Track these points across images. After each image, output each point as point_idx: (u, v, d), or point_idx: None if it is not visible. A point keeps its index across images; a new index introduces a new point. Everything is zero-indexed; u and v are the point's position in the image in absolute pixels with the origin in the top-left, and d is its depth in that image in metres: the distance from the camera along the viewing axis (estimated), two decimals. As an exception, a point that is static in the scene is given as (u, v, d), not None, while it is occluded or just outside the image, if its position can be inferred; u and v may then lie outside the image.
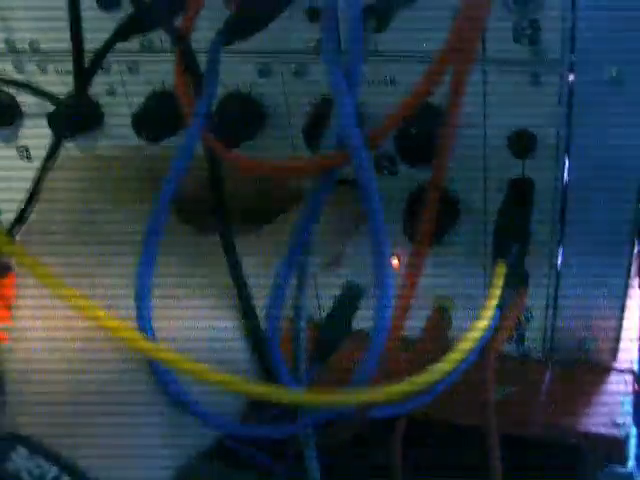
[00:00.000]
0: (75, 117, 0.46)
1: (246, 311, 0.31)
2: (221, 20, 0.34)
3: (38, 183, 0.33)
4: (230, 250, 0.31)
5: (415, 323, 0.45)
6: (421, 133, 0.37)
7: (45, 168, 0.33)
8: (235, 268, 0.30)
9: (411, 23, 0.37)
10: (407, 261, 0.34)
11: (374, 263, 0.28)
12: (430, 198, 0.28)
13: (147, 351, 0.27)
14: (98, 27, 0.38)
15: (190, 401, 0.29)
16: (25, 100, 0.49)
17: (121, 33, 0.34)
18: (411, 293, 0.33)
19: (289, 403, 0.28)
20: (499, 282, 0.35)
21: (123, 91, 0.46)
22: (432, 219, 0.28)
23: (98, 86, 0.46)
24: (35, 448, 0.27)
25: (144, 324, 0.29)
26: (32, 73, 0.48)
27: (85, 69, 0.33)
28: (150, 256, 0.28)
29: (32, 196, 0.33)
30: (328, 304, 0.47)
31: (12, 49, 0.47)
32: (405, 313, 0.33)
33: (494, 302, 0.34)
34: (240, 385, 0.28)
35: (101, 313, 0.27)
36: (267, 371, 0.32)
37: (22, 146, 0.51)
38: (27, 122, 0.50)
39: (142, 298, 0.28)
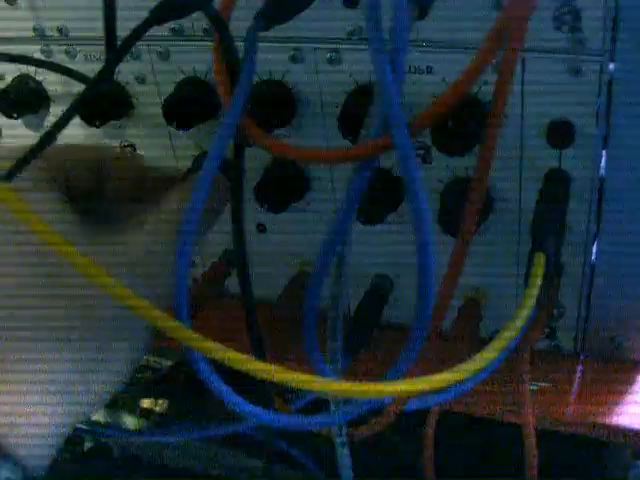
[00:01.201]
0: (105, 104, 0.45)
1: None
2: (256, 6, 0.34)
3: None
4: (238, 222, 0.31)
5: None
6: (458, 124, 0.36)
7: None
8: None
9: (448, 11, 0.37)
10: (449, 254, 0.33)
11: (417, 253, 0.27)
12: (474, 193, 0.27)
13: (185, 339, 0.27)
14: (131, 12, 0.38)
15: (224, 389, 0.29)
16: (53, 87, 0.49)
17: (156, 17, 0.33)
18: (451, 286, 0.32)
19: (326, 393, 0.27)
20: (538, 278, 0.34)
21: (153, 79, 0.45)
22: (475, 214, 0.27)
23: (128, 74, 0.46)
24: None
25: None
26: (60, 60, 0.47)
27: (115, 54, 0.32)
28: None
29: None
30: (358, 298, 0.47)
31: (41, 35, 0.47)
32: (445, 306, 0.33)
33: (533, 298, 0.33)
34: (273, 373, 0.27)
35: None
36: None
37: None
38: (54, 109, 0.49)
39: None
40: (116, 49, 0.34)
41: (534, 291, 0.33)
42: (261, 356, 0.34)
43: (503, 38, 0.27)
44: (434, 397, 0.35)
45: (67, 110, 0.30)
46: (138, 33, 0.33)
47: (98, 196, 0.37)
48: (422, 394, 0.28)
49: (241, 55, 0.32)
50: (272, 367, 0.27)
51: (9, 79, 0.49)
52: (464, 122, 0.37)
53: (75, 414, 0.32)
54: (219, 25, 0.30)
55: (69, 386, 0.31)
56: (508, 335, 0.31)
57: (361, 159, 0.26)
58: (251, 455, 0.54)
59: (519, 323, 0.32)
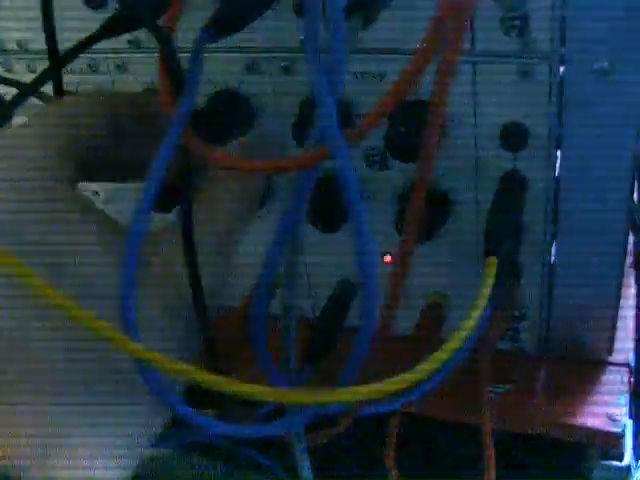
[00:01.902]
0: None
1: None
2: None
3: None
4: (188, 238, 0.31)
5: (408, 320, 0.45)
6: (410, 130, 0.37)
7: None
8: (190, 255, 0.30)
9: (399, 18, 0.37)
10: (396, 257, 0.33)
11: (358, 262, 0.27)
12: (416, 194, 0.27)
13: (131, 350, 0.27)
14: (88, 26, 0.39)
15: (175, 400, 0.29)
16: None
17: (105, 31, 0.33)
18: (398, 290, 0.32)
19: (277, 402, 0.27)
20: (490, 278, 0.34)
21: (112, 90, 0.46)
22: (417, 215, 0.28)
23: (88, 85, 0.46)
24: None
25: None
26: (21, 73, 0.47)
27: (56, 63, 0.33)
28: (133, 256, 0.28)
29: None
30: (322, 302, 0.47)
31: (0, 49, 0.47)
32: (394, 309, 0.33)
33: (485, 298, 0.34)
34: (227, 385, 0.27)
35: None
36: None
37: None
38: (16, 121, 0.49)
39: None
40: (60, 59, 0.35)
41: (485, 292, 0.33)
42: (214, 366, 0.34)
43: (434, 44, 0.27)
44: (390, 401, 0.35)
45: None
46: (83, 46, 0.33)
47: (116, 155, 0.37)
48: (375, 399, 0.28)
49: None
50: (221, 378, 0.27)
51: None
52: (416, 128, 0.37)
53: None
54: (161, 39, 0.30)
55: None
56: (461, 335, 0.32)
57: (298, 169, 0.26)
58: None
59: (471, 323, 0.32)
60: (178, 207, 0.34)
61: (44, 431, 0.29)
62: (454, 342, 0.31)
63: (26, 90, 0.39)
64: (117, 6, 0.34)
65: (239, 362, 0.46)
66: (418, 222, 0.28)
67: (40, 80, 0.37)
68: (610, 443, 0.44)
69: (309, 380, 0.44)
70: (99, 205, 0.49)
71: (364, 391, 0.28)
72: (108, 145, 0.36)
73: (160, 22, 0.34)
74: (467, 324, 0.32)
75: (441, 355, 0.30)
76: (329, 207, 0.41)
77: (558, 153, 0.39)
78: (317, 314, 0.47)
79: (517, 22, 0.36)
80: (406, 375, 0.29)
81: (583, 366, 0.46)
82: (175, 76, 0.30)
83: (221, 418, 0.31)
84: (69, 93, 0.44)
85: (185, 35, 0.35)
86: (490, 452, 0.39)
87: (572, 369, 0.46)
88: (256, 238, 0.47)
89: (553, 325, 0.46)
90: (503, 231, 0.37)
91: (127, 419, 0.32)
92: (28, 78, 0.46)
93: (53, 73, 0.36)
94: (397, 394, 0.29)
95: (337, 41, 0.26)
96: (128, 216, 0.29)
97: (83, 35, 0.37)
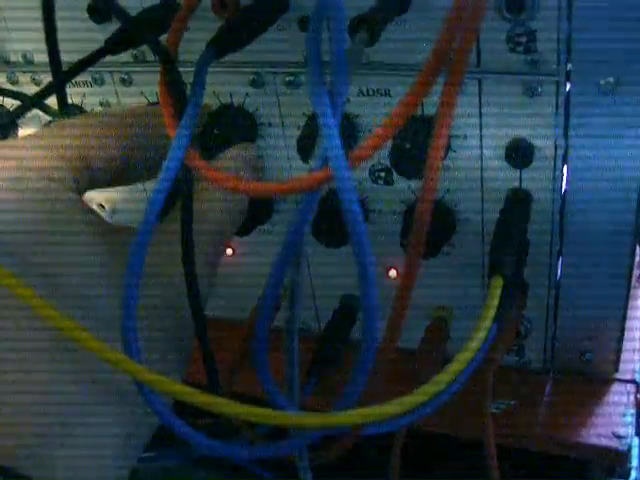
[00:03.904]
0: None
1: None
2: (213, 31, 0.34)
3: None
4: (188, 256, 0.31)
5: (413, 334, 0.44)
6: (415, 147, 0.37)
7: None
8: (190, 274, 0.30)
9: (403, 34, 0.37)
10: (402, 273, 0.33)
11: (360, 282, 0.27)
12: (421, 210, 0.27)
13: (133, 372, 0.27)
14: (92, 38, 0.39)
15: (176, 422, 0.29)
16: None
17: (108, 48, 0.33)
18: (404, 305, 0.32)
19: (281, 426, 0.27)
20: (495, 295, 0.34)
21: (117, 103, 0.46)
22: (423, 231, 0.27)
23: (92, 97, 0.46)
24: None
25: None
26: (26, 85, 0.47)
27: (60, 79, 0.33)
28: (135, 276, 0.28)
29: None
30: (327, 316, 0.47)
31: (5, 61, 0.47)
32: (399, 325, 0.33)
33: (491, 316, 0.33)
34: (229, 407, 0.27)
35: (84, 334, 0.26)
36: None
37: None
38: (22, 133, 0.49)
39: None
40: (62, 74, 0.35)
41: (489, 313, 0.33)
42: (215, 388, 0.33)
43: (446, 58, 0.27)
44: (394, 421, 0.35)
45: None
46: (88, 62, 0.33)
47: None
48: (377, 421, 0.28)
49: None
50: (223, 401, 0.27)
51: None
52: (422, 145, 0.37)
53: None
54: (162, 55, 0.30)
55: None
56: (464, 357, 0.31)
57: (302, 191, 0.26)
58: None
59: (475, 345, 0.32)
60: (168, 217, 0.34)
61: (43, 431, 0.29)
62: (457, 364, 0.31)
63: (29, 102, 0.39)
64: (121, 23, 0.35)
65: (244, 374, 0.46)
66: (424, 238, 0.28)
67: (43, 94, 0.37)
68: (615, 461, 0.44)
69: (314, 393, 0.44)
70: (104, 217, 0.49)
71: (366, 414, 0.27)
72: (117, 158, 0.36)
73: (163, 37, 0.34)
74: (471, 346, 0.31)
75: (444, 377, 0.30)
76: (333, 222, 0.41)
77: (564, 169, 0.39)
78: (322, 328, 0.47)
79: (523, 39, 0.36)
80: (408, 397, 0.28)
81: (589, 382, 0.46)
82: (177, 96, 0.30)
83: (220, 435, 0.31)
84: (73, 106, 0.44)
85: (188, 48, 0.35)
86: (494, 469, 0.38)
87: (577, 385, 0.46)
88: (260, 251, 0.48)
89: (558, 341, 0.45)
90: (509, 250, 0.37)
91: (121, 420, 0.32)
92: (33, 90, 0.47)
93: (57, 88, 0.36)
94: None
95: (340, 62, 0.26)
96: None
97: (87, 47, 0.37)
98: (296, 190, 0.26)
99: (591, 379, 0.46)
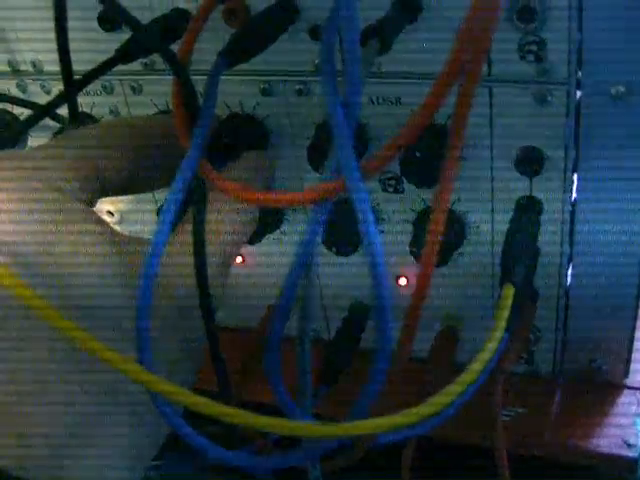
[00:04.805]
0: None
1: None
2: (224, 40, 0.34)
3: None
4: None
5: (422, 343, 0.45)
6: (425, 156, 0.37)
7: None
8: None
9: (415, 43, 0.37)
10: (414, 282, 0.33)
11: (374, 291, 0.27)
12: (435, 219, 0.27)
13: (148, 383, 0.27)
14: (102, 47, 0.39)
15: (188, 431, 0.29)
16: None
17: (119, 57, 0.33)
18: (417, 314, 0.32)
19: (295, 436, 0.27)
20: (507, 305, 0.34)
21: (127, 112, 0.46)
22: (436, 241, 0.27)
23: (101, 107, 0.46)
24: None
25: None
26: (36, 94, 0.47)
27: (71, 88, 0.33)
28: (148, 287, 0.28)
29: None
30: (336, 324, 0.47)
31: (15, 70, 0.47)
32: (413, 333, 0.33)
33: (502, 325, 0.33)
34: (244, 418, 0.27)
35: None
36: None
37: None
38: (32, 143, 0.49)
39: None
40: (73, 83, 0.35)
41: (501, 324, 0.33)
42: (228, 397, 0.33)
43: (456, 71, 0.27)
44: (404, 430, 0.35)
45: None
46: (101, 70, 0.33)
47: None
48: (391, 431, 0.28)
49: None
50: (237, 411, 0.27)
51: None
52: (432, 153, 0.37)
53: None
54: (176, 67, 0.30)
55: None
56: (476, 367, 0.31)
57: (314, 202, 0.26)
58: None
59: (487, 355, 0.32)
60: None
61: (56, 439, 0.29)
62: (469, 374, 0.31)
63: (41, 112, 0.39)
64: (132, 32, 0.35)
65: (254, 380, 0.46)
66: (437, 247, 0.28)
67: (55, 103, 0.37)
68: (625, 468, 0.43)
69: (323, 402, 0.44)
70: (113, 225, 0.50)
71: (381, 424, 0.27)
72: (126, 168, 0.36)
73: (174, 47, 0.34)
74: (483, 356, 0.31)
75: (456, 388, 0.30)
76: (344, 231, 0.41)
77: (574, 178, 0.39)
78: (331, 336, 0.47)
79: (534, 47, 0.36)
80: (420, 408, 0.28)
81: (598, 389, 0.46)
82: (190, 107, 0.30)
83: (225, 442, 0.31)
84: (84, 115, 0.44)
85: (198, 57, 0.35)
86: (505, 477, 0.38)
87: (587, 392, 0.46)
88: (269, 259, 0.48)
89: (568, 348, 0.45)
90: (519, 259, 0.37)
91: (131, 430, 0.32)
92: (43, 99, 0.47)
93: (68, 97, 0.36)
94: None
95: (354, 72, 0.26)
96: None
97: (96, 55, 0.37)
98: (310, 201, 0.26)
99: (601, 386, 0.46)
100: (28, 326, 0.28)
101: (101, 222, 0.34)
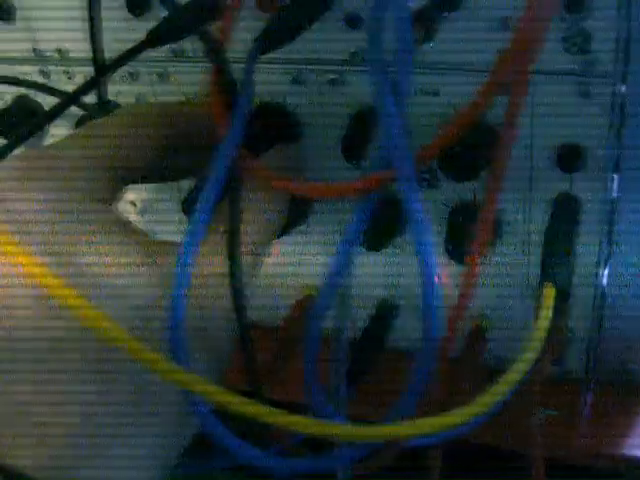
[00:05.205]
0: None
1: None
2: (256, 28, 0.33)
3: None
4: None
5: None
6: (465, 150, 0.35)
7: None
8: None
9: (454, 33, 0.36)
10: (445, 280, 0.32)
11: (422, 288, 0.26)
12: (483, 220, 0.26)
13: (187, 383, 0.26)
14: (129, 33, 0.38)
15: (220, 431, 0.28)
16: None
17: (151, 40, 0.32)
18: (460, 314, 0.31)
19: (333, 438, 0.26)
20: (548, 306, 0.33)
21: (154, 99, 0.45)
22: (485, 242, 0.26)
23: (127, 95, 0.45)
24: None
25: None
26: (59, 80, 0.46)
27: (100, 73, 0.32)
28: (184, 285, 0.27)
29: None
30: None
31: (40, 56, 0.46)
32: (453, 333, 0.32)
33: (544, 326, 0.32)
34: (273, 417, 0.26)
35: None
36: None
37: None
38: (53, 130, 0.48)
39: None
40: (104, 68, 0.34)
41: (543, 324, 0.32)
42: (258, 393, 0.32)
43: (513, 62, 0.26)
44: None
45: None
46: (131, 54, 0.32)
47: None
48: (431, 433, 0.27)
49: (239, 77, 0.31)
50: (267, 410, 0.26)
51: (9, 99, 0.48)
52: (472, 147, 0.36)
53: None
54: (214, 49, 0.29)
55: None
56: (520, 368, 0.30)
57: (363, 193, 0.25)
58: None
59: (531, 355, 0.31)
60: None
61: (75, 440, 0.28)
62: (514, 374, 0.30)
63: (68, 99, 0.38)
64: (165, 15, 0.33)
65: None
66: (487, 241, 0.27)
67: (83, 90, 0.36)
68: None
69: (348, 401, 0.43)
70: (135, 215, 0.49)
71: (422, 425, 0.26)
72: (150, 157, 0.35)
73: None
74: (527, 356, 0.30)
75: (502, 387, 0.29)
76: (374, 226, 0.40)
77: (615, 176, 0.38)
78: (357, 334, 0.46)
79: (578, 40, 0.34)
80: (468, 408, 0.27)
81: (630, 394, 0.45)
82: (228, 91, 0.29)
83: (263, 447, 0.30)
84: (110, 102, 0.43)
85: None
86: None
87: (619, 397, 0.45)
88: (296, 254, 0.47)
89: (601, 351, 0.44)
90: (560, 258, 0.35)
91: (156, 428, 0.31)
92: (64, 84, 0.46)
93: (96, 83, 0.35)
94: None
95: (405, 61, 0.25)
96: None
97: (123, 42, 0.36)
98: (360, 191, 0.25)
99: (633, 390, 0.45)
100: (62, 326, 0.27)
101: (134, 232, 0.33)
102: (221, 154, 0.27)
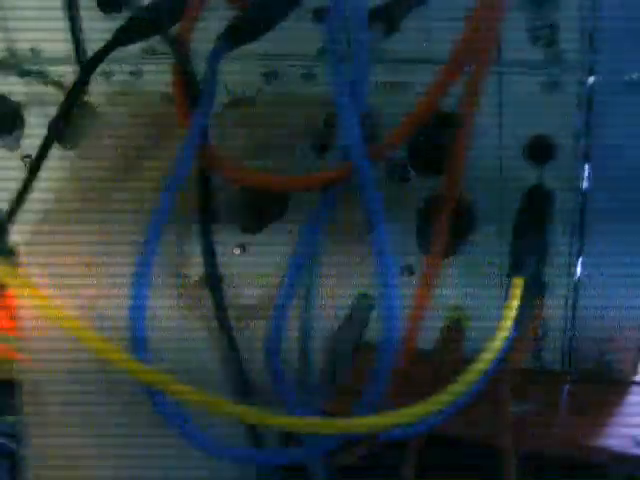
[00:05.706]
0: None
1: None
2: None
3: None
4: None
5: (428, 335, 0.43)
6: (432, 142, 0.35)
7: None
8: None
9: (420, 25, 0.36)
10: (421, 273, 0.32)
11: (379, 278, 0.26)
12: (443, 209, 0.26)
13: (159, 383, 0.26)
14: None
15: (191, 430, 0.28)
16: (29, 109, 0.48)
17: (118, 40, 0.32)
18: (423, 305, 0.31)
19: (300, 432, 0.26)
20: (515, 300, 0.33)
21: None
22: (445, 231, 0.26)
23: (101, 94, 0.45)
24: None
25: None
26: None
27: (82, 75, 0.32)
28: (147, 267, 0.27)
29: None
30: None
31: (13, 56, 0.46)
32: (417, 325, 0.32)
33: (511, 315, 0.33)
34: (252, 415, 0.26)
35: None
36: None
37: (27, 155, 0.50)
38: (31, 131, 0.48)
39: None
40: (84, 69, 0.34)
41: (510, 313, 0.32)
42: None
43: (469, 52, 0.26)
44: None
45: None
46: (100, 56, 0.32)
47: None
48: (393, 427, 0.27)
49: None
50: (240, 408, 0.26)
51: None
52: (440, 141, 0.36)
53: None
54: (176, 48, 0.29)
55: None
56: (487, 357, 0.31)
57: (320, 187, 0.25)
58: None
59: (497, 344, 0.31)
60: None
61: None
62: (480, 364, 0.30)
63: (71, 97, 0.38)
64: (132, 13, 0.33)
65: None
66: (445, 236, 0.27)
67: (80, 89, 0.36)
68: (635, 466, 0.42)
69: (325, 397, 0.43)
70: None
71: (391, 418, 0.27)
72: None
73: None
74: (493, 346, 0.30)
75: (468, 377, 0.29)
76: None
77: (585, 166, 0.38)
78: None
79: (545, 32, 0.35)
80: (434, 398, 0.27)
81: (608, 386, 0.45)
82: (190, 88, 0.29)
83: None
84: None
85: (199, 38, 0.34)
86: (512, 474, 0.37)
87: (596, 389, 0.45)
88: (272, 249, 0.47)
89: (577, 344, 0.44)
90: (528, 248, 0.36)
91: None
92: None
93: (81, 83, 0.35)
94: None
95: (361, 54, 0.25)
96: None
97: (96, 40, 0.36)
98: (316, 186, 0.25)
99: (610, 382, 0.45)
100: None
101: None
102: (184, 153, 0.28)
